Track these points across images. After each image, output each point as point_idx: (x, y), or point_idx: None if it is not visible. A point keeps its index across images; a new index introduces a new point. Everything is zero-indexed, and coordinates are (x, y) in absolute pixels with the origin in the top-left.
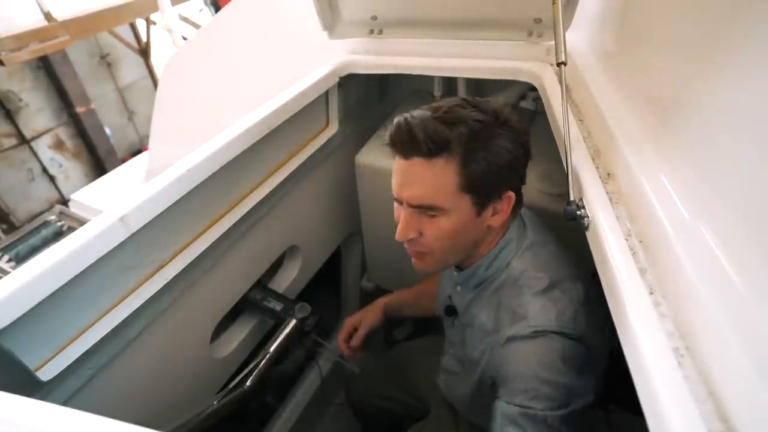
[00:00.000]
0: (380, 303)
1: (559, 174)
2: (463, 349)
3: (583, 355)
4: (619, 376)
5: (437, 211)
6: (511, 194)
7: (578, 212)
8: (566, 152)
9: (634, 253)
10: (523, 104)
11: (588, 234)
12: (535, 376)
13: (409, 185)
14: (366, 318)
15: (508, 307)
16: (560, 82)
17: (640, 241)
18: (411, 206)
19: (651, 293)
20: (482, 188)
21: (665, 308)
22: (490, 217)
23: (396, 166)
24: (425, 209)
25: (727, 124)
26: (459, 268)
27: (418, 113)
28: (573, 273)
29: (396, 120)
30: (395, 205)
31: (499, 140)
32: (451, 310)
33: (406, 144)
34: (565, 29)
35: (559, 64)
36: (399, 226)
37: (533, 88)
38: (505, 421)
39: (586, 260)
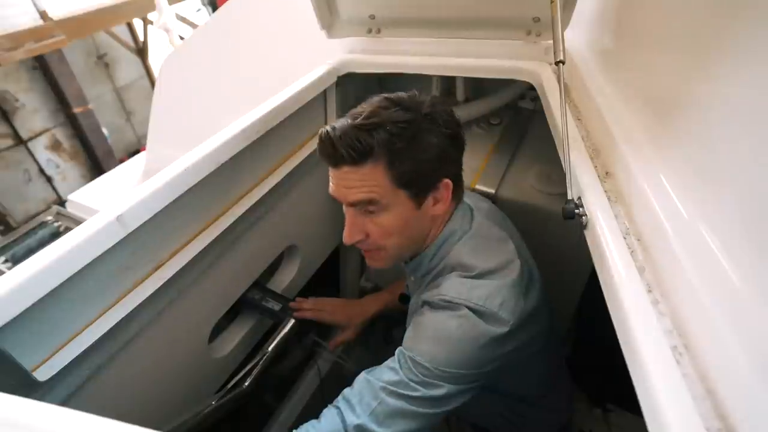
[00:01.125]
0: (382, 299)
1: (558, 173)
2: None
3: (489, 335)
4: (617, 375)
5: (377, 206)
6: (448, 182)
7: (577, 211)
8: (565, 151)
9: (632, 251)
10: (522, 103)
11: (586, 233)
12: (424, 334)
13: (344, 188)
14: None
15: (433, 287)
16: (559, 81)
17: (638, 240)
18: (352, 205)
19: (649, 291)
20: (414, 183)
21: (663, 306)
22: (431, 207)
23: (330, 172)
24: (365, 205)
25: (725, 123)
26: (408, 260)
27: (340, 123)
28: (509, 260)
29: (319, 132)
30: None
31: (423, 135)
32: (404, 298)
33: (331, 156)
34: (563, 28)
35: (557, 63)
36: (345, 231)
37: (532, 88)
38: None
39: (585, 258)
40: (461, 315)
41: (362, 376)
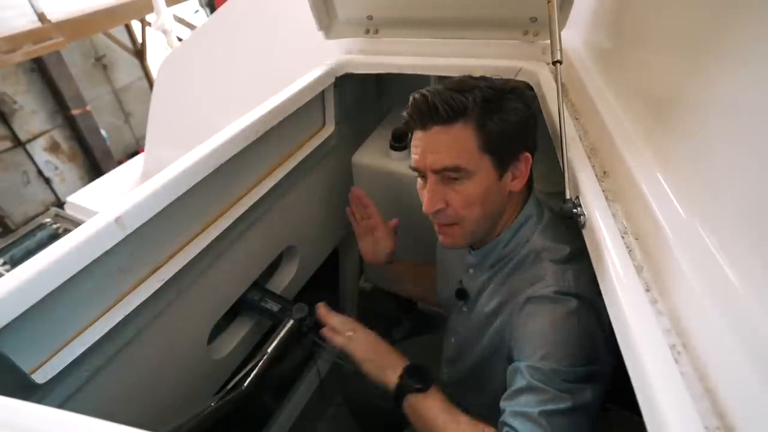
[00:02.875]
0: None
1: (556, 172)
2: (467, 336)
3: (599, 324)
4: (618, 375)
5: (461, 174)
6: (528, 155)
7: (575, 210)
8: (562, 151)
9: (630, 250)
10: None
11: (584, 232)
12: (552, 338)
13: (430, 152)
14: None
15: (525, 278)
16: (556, 81)
17: (636, 239)
18: (435, 172)
19: (647, 290)
20: (500, 148)
21: (661, 305)
22: (510, 181)
23: (415, 140)
24: (449, 173)
25: (723, 122)
26: (472, 248)
27: (431, 88)
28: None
29: (412, 96)
30: (418, 183)
31: (509, 103)
32: (462, 294)
33: (425, 114)
34: (560, 28)
35: (554, 63)
36: (425, 198)
37: (530, 87)
38: (514, 375)
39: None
40: (577, 307)
41: (509, 412)
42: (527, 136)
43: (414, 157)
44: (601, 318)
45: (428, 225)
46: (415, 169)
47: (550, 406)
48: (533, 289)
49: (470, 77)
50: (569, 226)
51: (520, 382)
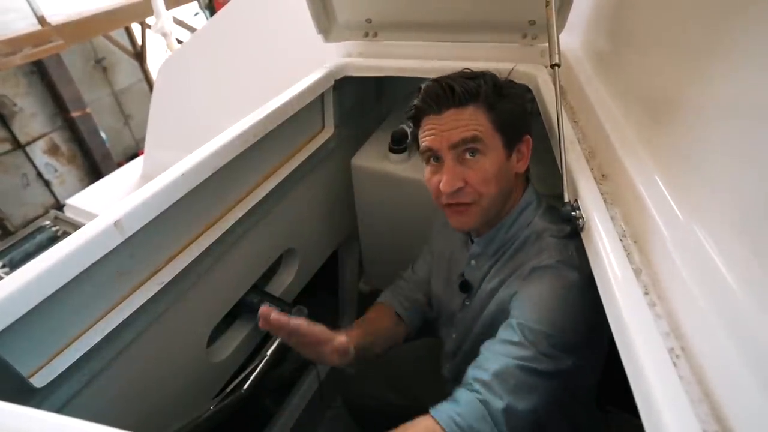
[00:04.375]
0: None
1: (554, 175)
2: (470, 323)
3: (595, 303)
4: (617, 377)
5: (480, 145)
6: (529, 138)
7: (573, 213)
8: (561, 154)
9: (628, 253)
10: None
11: (583, 235)
12: (549, 303)
13: (447, 130)
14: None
15: (528, 254)
16: (554, 84)
17: (635, 242)
18: (453, 147)
19: (646, 294)
20: (509, 127)
21: (660, 309)
22: (516, 163)
23: (428, 125)
24: (469, 145)
25: (720, 125)
26: (473, 238)
27: (440, 77)
28: None
29: (424, 85)
30: (427, 171)
31: (512, 89)
32: (465, 286)
33: (442, 97)
34: (558, 31)
35: (553, 66)
36: (444, 179)
37: (528, 90)
38: (505, 328)
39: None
40: (579, 281)
41: (489, 353)
42: (527, 120)
43: (428, 138)
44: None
45: (425, 227)
46: (427, 153)
47: (530, 364)
48: (538, 260)
49: (472, 69)
50: None
51: (507, 334)
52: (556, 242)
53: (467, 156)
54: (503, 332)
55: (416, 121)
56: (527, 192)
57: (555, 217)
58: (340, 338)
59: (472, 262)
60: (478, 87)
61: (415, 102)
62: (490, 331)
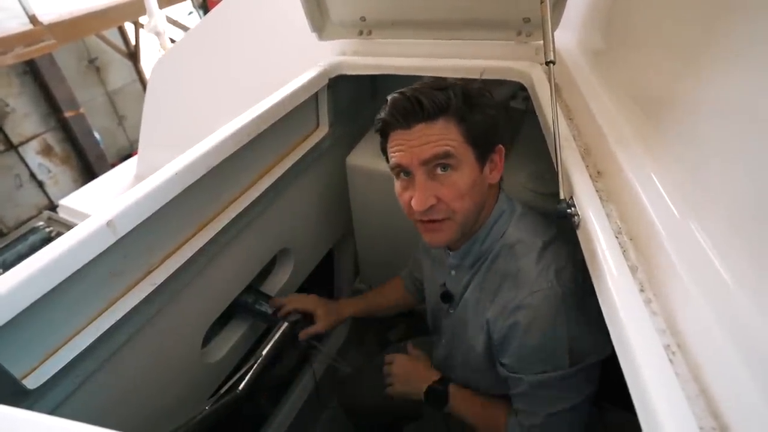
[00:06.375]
0: (357, 305)
1: (550, 173)
2: (456, 334)
3: (586, 313)
4: (613, 374)
5: (451, 161)
6: (501, 147)
7: (569, 210)
8: (556, 151)
9: (624, 251)
10: (513, 104)
11: (578, 232)
12: (545, 347)
13: (418, 146)
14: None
15: (505, 274)
16: (549, 82)
17: (631, 239)
18: (424, 163)
19: (642, 291)
20: (480, 139)
21: (656, 306)
22: (489, 174)
23: (396, 140)
24: (440, 161)
25: (716, 122)
26: (451, 250)
27: (406, 89)
28: (559, 234)
29: (391, 97)
30: (398, 186)
31: (484, 99)
32: (446, 296)
33: (410, 112)
34: (553, 28)
35: (548, 63)
36: (416, 197)
37: (523, 88)
38: (517, 384)
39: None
40: (565, 307)
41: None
42: (500, 131)
43: (397, 155)
44: (588, 305)
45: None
46: (396, 168)
47: (556, 408)
48: (519, 298)
49: (441, 79)
50: (537, 215)
51: (522, 388)
52: (535, 269)
53: (439, 171)
54: (515, 387)
55: (383, 135)
56: (499, 201)
57: (528, 224)
58: (317, 326)
59: (452, 272)
60: (448, 99)
61: (382, 115)
62: (477, 354)
